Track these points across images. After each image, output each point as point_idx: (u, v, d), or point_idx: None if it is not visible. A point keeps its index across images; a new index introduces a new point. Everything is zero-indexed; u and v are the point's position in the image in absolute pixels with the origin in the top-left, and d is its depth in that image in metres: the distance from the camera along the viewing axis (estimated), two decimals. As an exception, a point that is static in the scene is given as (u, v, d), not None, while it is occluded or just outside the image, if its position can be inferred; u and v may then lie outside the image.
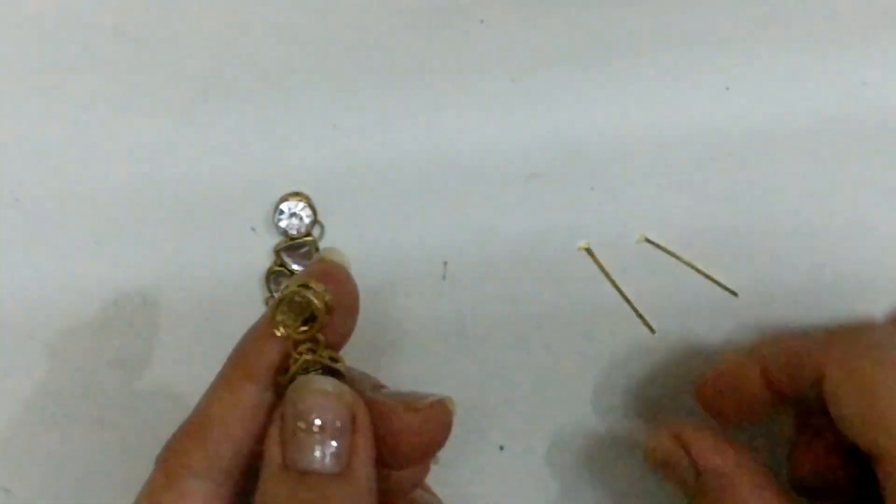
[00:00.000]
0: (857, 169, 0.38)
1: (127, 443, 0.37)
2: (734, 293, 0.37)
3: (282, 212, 0.37)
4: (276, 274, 0.38)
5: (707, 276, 0.37)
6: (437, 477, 0.36)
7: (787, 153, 0.38)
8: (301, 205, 0.37)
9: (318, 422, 0.24)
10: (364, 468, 0.24)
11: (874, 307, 0.37)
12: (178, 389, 0.37)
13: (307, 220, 0.37)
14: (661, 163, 0.38)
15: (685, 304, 0.37)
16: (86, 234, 0.38)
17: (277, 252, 0.38)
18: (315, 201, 0.38)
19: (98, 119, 0.38)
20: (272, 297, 0.38)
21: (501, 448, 0.37)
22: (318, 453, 0.24)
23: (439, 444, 0.27)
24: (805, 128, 0.38)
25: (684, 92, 0.38)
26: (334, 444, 0.24)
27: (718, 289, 0.37)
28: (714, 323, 0.37)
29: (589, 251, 0.35)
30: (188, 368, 0.37)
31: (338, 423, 0.24)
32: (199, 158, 0.38)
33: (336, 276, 0.27)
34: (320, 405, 0.24)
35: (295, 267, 0.38)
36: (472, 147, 0.38)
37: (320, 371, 0.26)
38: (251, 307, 0.37)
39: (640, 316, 0.36)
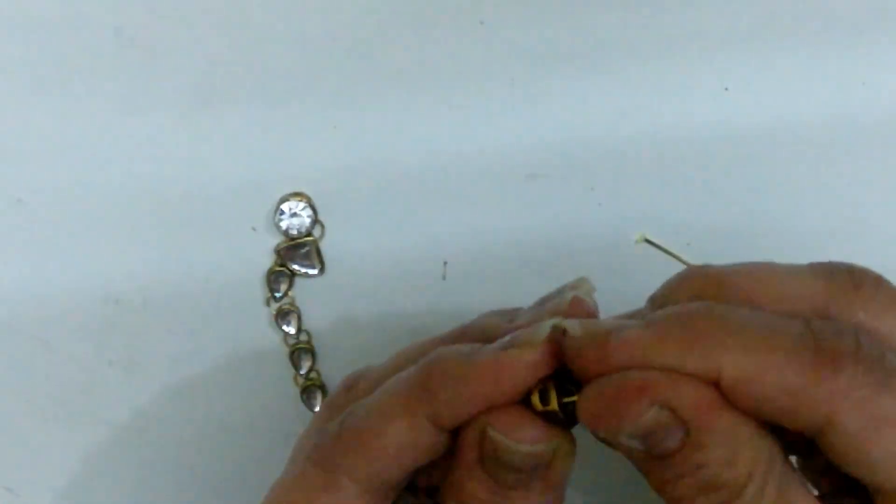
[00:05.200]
0: (857, 169, 0.38)
1: (127, 442, 0.37)
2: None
3: (282, 212, 0.37)
4: (276, 274, 0.38)
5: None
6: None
7: (786, 153, 0.38)
8: (301, 205, 0.37)
9: (514, 468, 0.25)
10: (559, 480, 0.26)
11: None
12: (178, 389, 0.37)
13: (308, 220, 0.38)
14: (660, 163, 0.38)
15: (685, 304, 0.37)
16: (86, 234, 0.38)
17: (278, 252, 0.38)
18: (315, 201, 0.38)
19: (98, 119, 0.38)
20: (273, 297, 0.38)
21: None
22: (516, 479, 0.25)
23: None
24: (804, 128, 0.38)
25: (683, 92, 0.38)
26: (527, 480, 0.25)
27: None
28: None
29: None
30: (188, 368, 0.37)
31: (531, 470, 0.25)
32: (199, 158, 0.38)
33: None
34: (516, 461, 0.25)
35: (295, 267, 0.38)
36: (471, 147, 0.38)
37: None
38: (251, 307, 0.38)
39: None
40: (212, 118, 0.38)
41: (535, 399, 0.25)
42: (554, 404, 0.25)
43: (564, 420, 0.25)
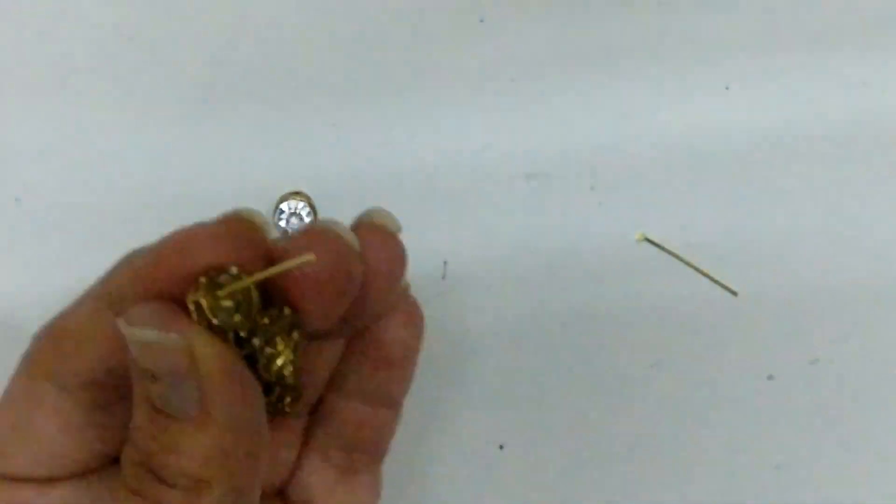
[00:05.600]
0: (858, 169, 0.38)
1: (127, 442, 0.37)
2: (734, 293, 0.37)
3: (282, 211, 0.37)
4: (276, 274, 0.37)
5: (707, 276, 0.37)
6: (437, 477, 0.36)
7: (786, 153, 0.38)
8: (301, 204, 0.37)
9: (150, 373, 0.21)
10: (222, 406, 0.21)
11: (874, 307, 0.37)
12: (178, 389, 0.37)
13: (307, 220, 0.37)
14: (660, 162, 0.38)
15: (684, 303, 0.37)
16: (86, 234, 0.38)
17: (277, 252, 0.38)
18: (315, 201, 0.38)
19: (98, 119, 0.38)
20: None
21: (501, 447, 0.37)
22: (166, 398, 0.21)
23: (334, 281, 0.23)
24: (805, 127, 0.38)
25: (684, 91, 0.38)
26: (174, 394, 0.21)
27: (718, 288, 0.37)
28: (713, 323, 0.37)
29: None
30: (188, 368, 0.37)
31: (169, 378, 0.21)
32: (199, 158, 0.38)
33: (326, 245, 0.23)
34: (145, 357, 0.21)
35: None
36: (472, 147, 0.38)
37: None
38: (251, 307, 0.37)
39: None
40: (212, 118, 0.38)
41: (189, 296, 0.22)
42: (197, 295, 0.21)
43: (218, 327, 0.22)
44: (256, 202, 0.38)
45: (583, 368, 0.37)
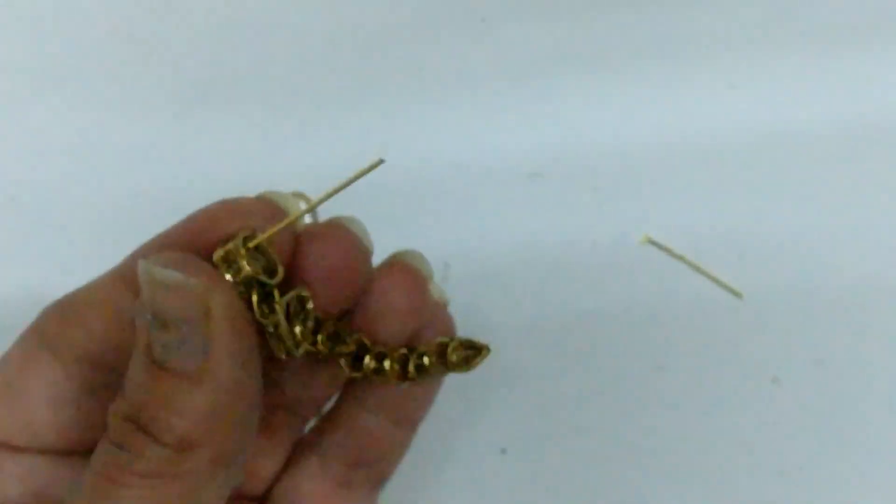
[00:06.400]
0: (863, 168, 0.38)
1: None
2: (739, 294, 0.37)
3: (281, 212, 0.37)
4: (275, 275, 0.37)
5: (711, 278, 0.37)
6: (439, 482, 0.36)
7: (791, 152, 0.38)
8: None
9: (160, 318, 0.21)
10: (224, 364, 0.21)
11: (877, 308, 0.37)
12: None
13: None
14: (664, 162, 0.38)
15: (689, 305, 0.37)
16: (85, 234, 0.38)
17: (277, 253, 0.37)
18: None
19: (97, 119, 0.38)
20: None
21: (503, 451, 0.37)
22: (169, 349, 0.21)
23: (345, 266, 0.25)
24: (810, 126, 0.38)
25: (688, 90, 0.38)
26: (181, 345, 0.21)
27: (722, 290, 0.37)
28: (718, 325, 0.37)
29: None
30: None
31: (183, 326, 0.21)
32: (198, 158, 0.38)
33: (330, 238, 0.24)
34: (162, 300, 0.21)
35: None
36: (472, 147, 0.38)
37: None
38: (250, 308, 0.37)
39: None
40: (211, 118, 0.38)
41: (218, 254, 0.22)
42: (234, 245, 0.22)
43: (245, 283, 0.22)
44: (256, 203, 0.38)
45: (585, 371, 0.37)
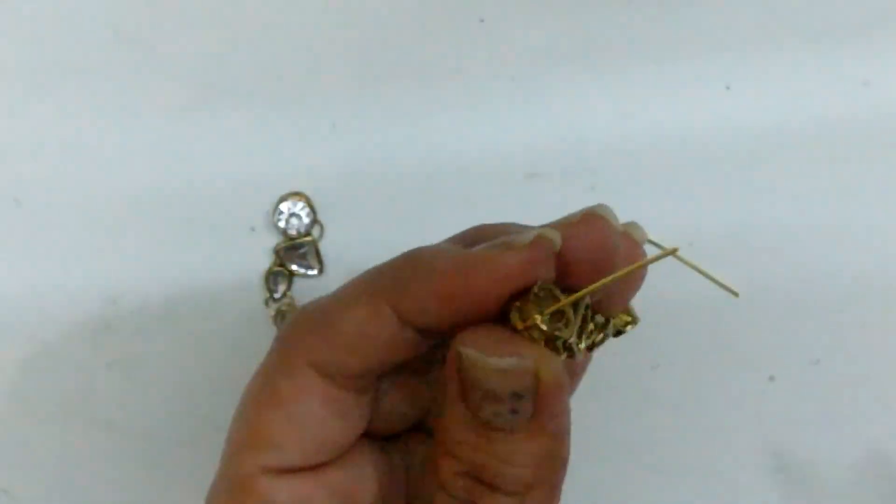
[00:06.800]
0: (858, 168, 0.38)
1: (127, 443, 0.37)
2: (735, 293, 0.37)
3: (281, 212, 0.37)
4: (275, 274, 0.37)
5: (708, 277, 0.37)
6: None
7: (787, 152, 0.38)
8: (300, 205, 0.37)
9: (494, 395, 0.22)
10: (552, 423, 0.23)
11: (875, 307, 0.37)
12: (176, 390, 0.37)
13: (307, 220, 0.37)
14: (661, 162, 0.38)
15: (686, 304, 0.37)
16: (85, 235, 0.38)
17: (277, 252, 0.38)
18: (315, 201, 0.38)
19: (97, 119, 0.38)
20: (272, 297, 0.37)
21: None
22: (496, 415, 0.22)
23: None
24: (806, 127, 0.38)
25: (684, 91, 0.38)
26: (512, 411, 0.22)
27: (719, 289, 0.37)
28: (714, 324, 0.37)
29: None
30: (187, 369, 0.37)
31: (515, 397, 0.22)
32: (198, 158, 0.38)
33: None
34: (496, 383, 0.22)
35: (294, 267, 0.37)
36: (472, 147, 0.38)
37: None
38: (250, 307, 0.37)
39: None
40: (211, 118, 0.38)
41: (515, 317, 0.23)
42: (535, 318, 0.23)
43: (550, 339, 0.23)
44: (256, 202, 0.38)
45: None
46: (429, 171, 0.38)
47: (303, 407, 0.24)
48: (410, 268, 0.24)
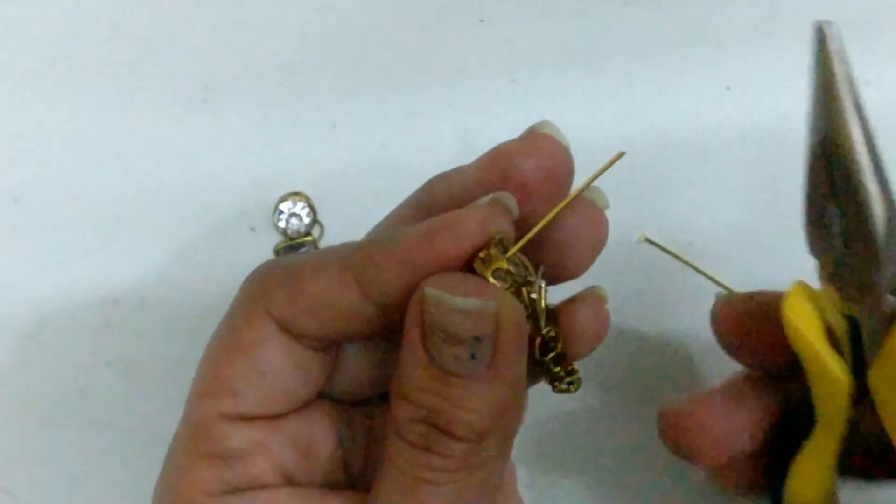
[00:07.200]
0: (859, 168, 0.38)
1: (126, 443, 0.37)
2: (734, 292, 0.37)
3: (281, 212, 0.37)
4: (275, 274, 0.37)
5: (708, 276, 0.37)
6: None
7: (788, 152, 0.38)
8: (301, 205, 0.37)
9: (455, 336, 0.23)
10: (508, 371, 0.23)
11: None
12: (177, 389, 0.37)
13: (307, 220, 0.37)
14: (661, 162, 0.38)
15: (686, 303, 0.37)
16: (85, 234, 0.38)
17: (277, 252, 0.38)
18: (315, 201, 0.38)
19: (97, 119, 0.38)
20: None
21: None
22: (456, 359, 0.23)
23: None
24: (806, 127, 0.38)
25: (684, 91, 0.38)
26: (472, 354, 0.23)
27: (719, 289, 0.37)
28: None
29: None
30: (188, 368, 0.37)
31: (475, 340, 0.23)
32: (198, 158, 0.38)
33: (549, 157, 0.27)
34: (457, 324, 0.23)
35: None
36: (472, 147, 0.38)
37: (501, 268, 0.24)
38: (251, 307, 0.37)
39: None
40: (211, 118, 0.38)
41: (479, 265, 0.24)
42: (500, 262, 0.24)
43: (515, 285, 0.24)
44: (256, 202, 0.38)
45: (582, 369, 0.37)
46: (428, 171, 0.38)
47: (262, 356, 0.25)
48: (376, 242, 0.25)
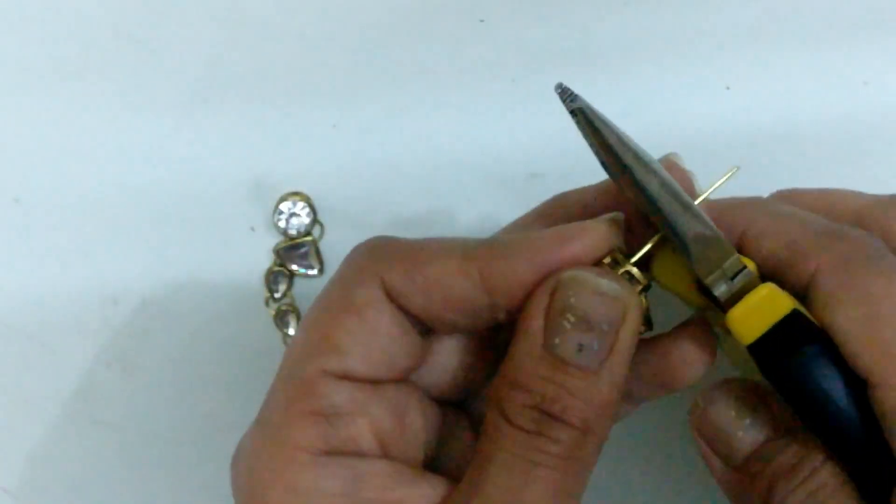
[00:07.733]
0: (859, 168, 0.38)
1: (127, 443, 0.37)
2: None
3: (281, 212, 0.37)
4: (275, 274, 0.37)
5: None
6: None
7: (787, 153, 0.38)
8: (301, 204, 0.37)
9: (586, 321, 0.24)
10: (618, 369, 0.25)
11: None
12: (178, 389, 0.37)
13: (307, 220, 0.37)
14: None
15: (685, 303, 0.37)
16: (85, 234, 0.38)
17: (277, 252, 0.38)
18: (315, 201, 0.38)
19: (97, 119, 0.38)
20: (272, 297, 0.37)
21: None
22: (578, 348, 0.24)
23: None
24: (806, 127, 0.38)
25: (684, 92, 0.38)
26: (596, 344, 0.24)
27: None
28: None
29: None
30: (187, 369, 0.37)
31: (605, 327, 0.24)
32: (198, 158, 0.38)
33: None
34: (594, 307, 0.24)
35: (294, 267, 0.37)
36: (472, 147, 0.38)
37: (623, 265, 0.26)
38: (250, 307, 0.37)
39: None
40: (211, 118, 0.38)
41: (606, 267, 0.26)
42: (627, 265, 0.26)
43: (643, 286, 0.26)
44: (256, 202, 0.38)
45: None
46: (429, 171, 0.38)
47: (373, 315, 0.25)
48: (506, 239, 0.26)
